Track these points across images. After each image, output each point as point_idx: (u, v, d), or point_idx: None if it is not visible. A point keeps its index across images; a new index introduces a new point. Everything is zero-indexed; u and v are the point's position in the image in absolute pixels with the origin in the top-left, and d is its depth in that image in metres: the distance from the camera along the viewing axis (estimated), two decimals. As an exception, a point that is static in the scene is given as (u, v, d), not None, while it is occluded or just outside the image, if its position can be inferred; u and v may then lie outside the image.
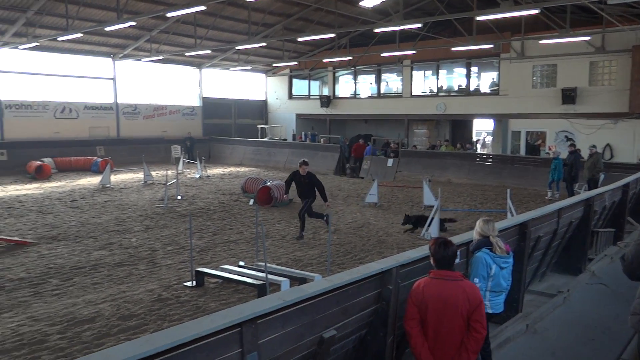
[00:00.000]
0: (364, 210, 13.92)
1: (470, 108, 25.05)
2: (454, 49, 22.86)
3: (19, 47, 21.78)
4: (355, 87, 30.48)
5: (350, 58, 26.49)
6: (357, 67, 29.14)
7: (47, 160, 21.42)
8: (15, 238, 9.89)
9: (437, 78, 27.02)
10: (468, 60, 25.00)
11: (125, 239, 10.21)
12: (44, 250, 9.35)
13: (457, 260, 4.01)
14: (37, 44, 21.15)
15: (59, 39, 20.50)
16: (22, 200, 14.77)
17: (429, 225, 10.74)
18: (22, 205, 13.90)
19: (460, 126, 28.56)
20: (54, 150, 22.76)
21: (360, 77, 30.41)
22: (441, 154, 22.28)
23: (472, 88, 25.84)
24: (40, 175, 19.85)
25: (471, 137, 28.38)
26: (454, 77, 27.54)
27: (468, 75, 25.89)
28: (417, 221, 11.27)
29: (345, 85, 31.36)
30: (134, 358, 2.73)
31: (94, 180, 18.98)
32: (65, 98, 24.73)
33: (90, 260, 8.67)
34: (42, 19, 20.33)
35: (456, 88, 26.98)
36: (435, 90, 27.12)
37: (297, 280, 6.89)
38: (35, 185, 18.11)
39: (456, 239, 4.48)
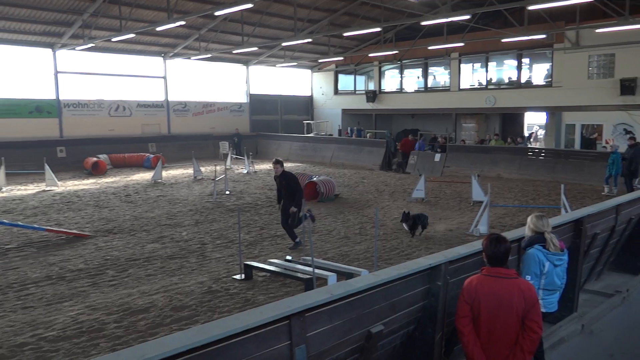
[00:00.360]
0: (410, 205, 13.77)
1: (521, 101, 24.29)
2: (504, 40, 22.20)
3: (76, 48, 22.75)
4: (401, 81, 30.14)
5: (397, 52, 26.18)
6: (404, 61, 28.78)
7: (103, 157, 22.34)
8: (74, 231, 10.36)
9: (487, 70, 26.35)
10: (519, 51, 24.22)
11: (176, 233, 10.52)
12: (100, 242, 9.76)
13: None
14: (93, 45, 22.02)
15: (113, 39, 21.25)
16: (80, 195, 15.47)
17: (478, 221, 10.51)
18: (80, 200, 14.55)
19: (511, 120, 27.77)
20: (108, 147, 23.70)
21: (406, 71, 30.04)
22: (491, 148, 21.72)
23: (523, 80, 25.05)
24: (96, 171, 20.72)
25: (522, 131, 27.52)
26: (504, 70, 26.78)
27: (519, 67, 25.11)
28: (416, 221, 10.12)
29: (391, 80, 31.06)
30: (187, 347, 2.82)
31: (146, 176, 19.64)
32: (119, 97, 25.67)
33: (143, 253, 8.99)
34: (98, 21, 21.13)
35: (506, 80, 26.23)
36: (484, 83, 26.46)
37: (344, 275, 6.90)
38: (91, 180, 18.93)
39: (507, 236, 4.37)
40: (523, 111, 25.91)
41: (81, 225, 11.21)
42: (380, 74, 30.75)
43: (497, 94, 25.42)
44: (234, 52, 25.16)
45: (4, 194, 15.70)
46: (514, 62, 25.47)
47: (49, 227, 10.18)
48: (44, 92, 23.30)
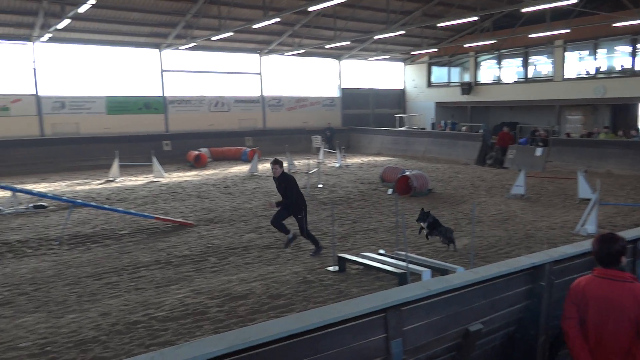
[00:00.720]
0: (509, 202, 13.18)
1: (636, 90, 22.27)
2: (615, 24, 20.45)
3: (180, 48, 24.21)
4: (499, 72, 28.83)
5: (494, 41, 25.08)
6: (502, 51, 27.52)
7: (204, 150, 23.63)
8: (180, 219, 11.08)
9: (595, 58, 24.45)
10: (633, 36, 22.20)
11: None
12: (202, 231, 10.36)
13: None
14: (195, 44, 23.30)
15: (213, 38, 22.33)
16: (183, 186, 16.49)
17: (586, 219, 9.83)
18: (184, 190, 15.52)
19: (623, 111, 25.56)
20: (209, 140, 25.01)
21: (504, 61, 28.68)
22: (600, 142, 20.13)
23: (638, 68, 22.95)
24: (198, 163, 21.99)
25: (636, 123, 25.25)
26: (615, 57, 24.69)
27: (633, 54, 23.02)
28: (433, 225, 8.74)
29: (488, 71, 29.81)
30: (288, 332, 2.92)
31: (243, 169, 20.50)
32: (218, 93, 26.97)
33: (242, 242, 9.42)
34: (199, 21, 22.30)
35: (618, 69, 24.16)
36: (592, 72, 24.58)
37: (438, 271, 6.78)
38: (194, 172, 20.11)
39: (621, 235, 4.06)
40: (637, 101, 23.76)
41: (185, 214, 11.95)
42: (476, 65, 29.62)
43: (608, 84, 23.53)
44: (327, 46, 25.44)
45: (118, 184, 17.14)
46: (628, 48, 23.40)
47: (157, 216, 10.96)
48: (151, 89, 25.06)
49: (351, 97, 31.59)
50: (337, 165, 21.26)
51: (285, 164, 20.04)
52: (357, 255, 7.76)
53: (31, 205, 12.89)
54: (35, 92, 22.22)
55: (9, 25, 20.36)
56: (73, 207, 11.08)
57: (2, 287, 7.16)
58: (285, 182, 8.55)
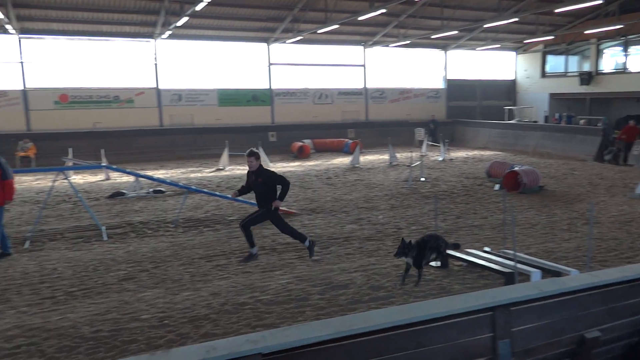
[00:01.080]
0: (633, 203, 12.05)
1: None
2: None
3: (286, 41, 24.90)
4: (625, 60, 26.33)
5: (621, 26, 22.91)
6: (629, 37, 25.07)
7: (307, 142, 24.19)
8: (284, 208, 11.45)
9: None
10: None
11: (372, 216, 10.91)
12: (305, 220, 10.64)
13: None
14: (301, 37, 23.84)
15: (319, 31, 22.69)
16: (287, 176, 16.94)
17: None
18: (288, 181, 16.02)
19: None
20: (312, 132, 25.56)
21: (632, 48, 26.13)
22: None
23: None
24: (301, 154, 22.57)
25: None
26: None
27: None
28: (419, 256, 6.60)
29: (611, 59, 27.36)
30: (390, 324, 2.94)
31: (345, 161, 20.70)
32: (322, 85, 27.41)
33: (343, 233, 9.54)
34: (305, 15, 22.77)
35: None
36: None
37: (549, 273, 6.39)
38: (297, 163, 20.68)
39: None
40: None
41: (289, 203, 12.32)
42: (598, 53, 27.30)
43: None
44: (432, 37, 24.80)
45: (227, 173, 18.10)
46: None
47: (262, 204, 11.42)
48: (259, 82, 26.08)
49: (457, 89, 30.58)
50: (441, 158, 20.74)
51: (386, 156, 20.11)
52: (461, 251, 7.54)
53: (151, 190, 14.03)
54: (156, 86, 24.07)
55: (135, 24, 22.21)
56: (188, 193, 11.90)
57: (126, 263, 7.88)
58: (263, 176, 7.70)
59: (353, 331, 2.83)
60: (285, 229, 7.97)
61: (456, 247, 7.20)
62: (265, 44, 25.63)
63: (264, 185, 7.75)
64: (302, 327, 2.95)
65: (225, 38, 24.57)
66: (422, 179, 15.54)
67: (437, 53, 29.95)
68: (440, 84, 30.44)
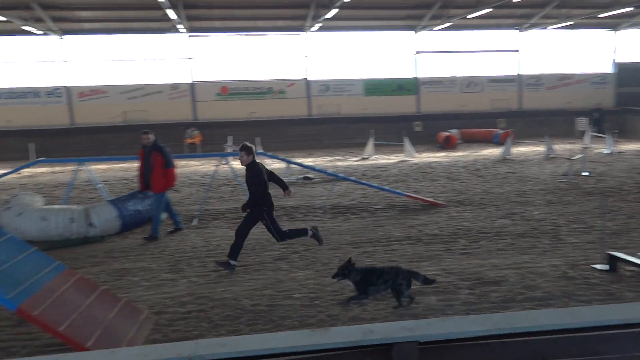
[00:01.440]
0: None
1: None
2: None
3: (434, 28, 24.26)
4: None
5: None
6: None
7: (454, 131, 23.43)
8: (430, 199, 11.25)
9: None
10: None
11: (526, 211, 10.22)
12: (452, 212, 10.33)
13: None
14: (450, 23, 23.05)
15: (469, 16, 21.73)
16: (433, 166, 16.68)
17: None
18: (433, 171, 15.70)
19: None
20: (459, 122, 24.72)
21: None
22: None
23: None
24: (447, 145, 21.95)
25: None
26: None
27: None
28: (363, 282, 5.55)
29: None
30: (557, 326, 2.74)
31: (495, 152, 19.68)
32: (471, 73, 26.27)
33: (493, 227, 9.09)
34: (455, 0, 21.92)
35: None
36: None
37: None
38: (443, 153, 20.17)
39: None
40: None
41: (435, 194, 12.07)
42: None
43: None
44: (600, 15, 22.33)
45: (372, 162, 18.29)
46: None
47: (408, 193, 11.34)
48: (404, 71, 25.84)
49: (629, 73, 27.18)
50: (607, 151, 18.71)
51: (541, 148, 18.65)
52: (634, 255, 6.74)
53: (300, 176, 14.72)
54: (305, 77, 25.12)
55: (287, 19, 23.38)
56: (336, 181, 12.26)
57: (279, 244, 8.34)
58: (246, 175, 7.03)
59: (515, 329, 2.68)
60: (278, 232, 7.31)
61: (428, 282, 5.74)
62: (412, 32, 25.26)
63: (250, 182, 7.02)
64: (458, 319, 2.88)
65: (372, 28, 24.72)
66: (585, 174, 14.15)
67: (605, 34, 26.91)
68: (607, 68, 27.34)
